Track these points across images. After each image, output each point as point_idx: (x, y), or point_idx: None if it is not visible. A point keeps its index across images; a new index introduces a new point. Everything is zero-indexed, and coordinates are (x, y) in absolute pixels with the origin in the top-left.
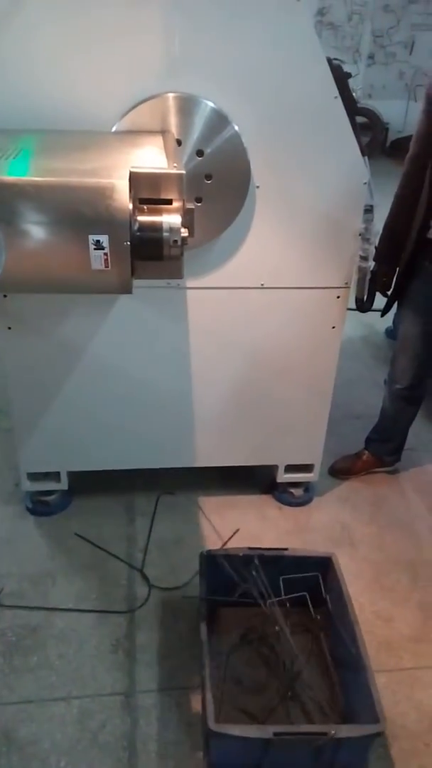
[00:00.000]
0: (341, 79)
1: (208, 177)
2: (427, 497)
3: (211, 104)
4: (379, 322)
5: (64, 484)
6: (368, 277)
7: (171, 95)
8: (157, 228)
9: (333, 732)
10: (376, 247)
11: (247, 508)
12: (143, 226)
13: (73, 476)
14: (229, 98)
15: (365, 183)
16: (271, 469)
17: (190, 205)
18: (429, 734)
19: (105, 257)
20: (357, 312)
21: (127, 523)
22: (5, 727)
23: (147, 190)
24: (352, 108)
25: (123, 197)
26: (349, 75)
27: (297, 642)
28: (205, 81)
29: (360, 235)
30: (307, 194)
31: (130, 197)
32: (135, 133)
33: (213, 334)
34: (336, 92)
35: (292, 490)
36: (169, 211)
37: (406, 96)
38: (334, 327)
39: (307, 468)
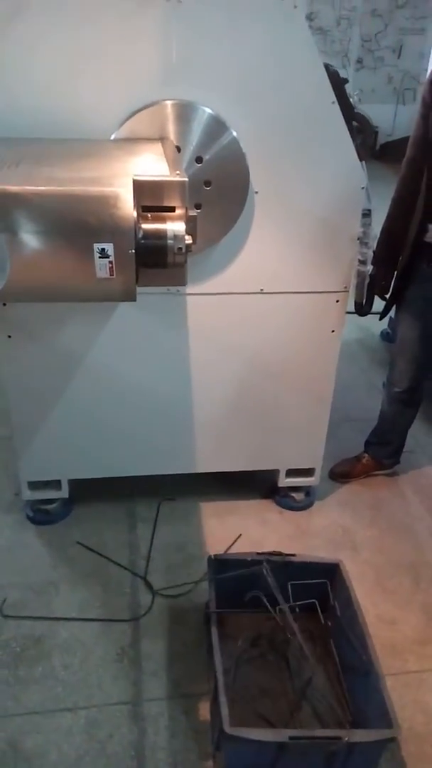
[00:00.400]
0: (338, 84)
1: (207, 183)
2: (427, 499)
3: (209, 110)
4: (375, 326)
5: (64, 493)
6: (367, 281)
7: (169, 102)
8: (161, 236)
9: (347, 737)
10: (374, 251)
11: (247, 513)
12: (147, 234)
13: (74, 484)
14: (227, 104)
15: (363, 188)
16: (271, 474)
17: (193, 212)
18: None
19: (110, 265)
20: (353, 315)
21: (128, 530)
22: (12, 739)
23: (150, 198)
24: (348, 113)
25: (127, 205)
26: (345, 80)
27: (306, 648)
28: (203, 87)
29: (358, 239)
30: (305, 199)
31: (134, 205)
32: (134, 141)
33: (212, 340)
34: (333, 97)
35: (293, 495)
36: (172, 219)
37: (394, 100)
38: (333, 331)
39: (307, 472)
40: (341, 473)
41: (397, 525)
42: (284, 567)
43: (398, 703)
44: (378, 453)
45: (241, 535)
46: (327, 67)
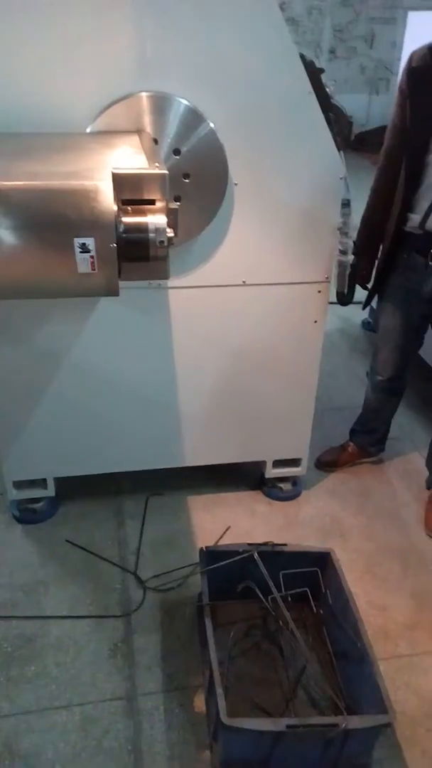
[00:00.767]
0: (314, 74)
1: (186, 176)
2: (413, 485)
3: (185, 102)
4: (355, 315)
5: (51, 491)
6: (348, 270)
7: (144, 94)
8: (142, 229)
9: (344, 724)
10: (354, 241)
11: (236, 505)
12: (129, 228)
13: (60, 482)
14: (203, 96)
15: (342, 178)
16: (258, 465)
17: (174, 205)
18: (429, 720)
19: (91, 260)
20: (334, 306)
21: (117, 526)
22: (6, 740)
23: (130, 191)
24: (326, 103)
25: (107, 199)
26: (322, 70)
27: (299, 636)
28: (179, 79)
29: (338, 229)
30: (284, 190)
31: (114, 199)
32: (111, 134)
33: (196, 333)
34: (310, 88)
35: (281, 485)
36: (153, 212)
37: (368, 90)
38: (316, 321)
39: (294, 462)
40: (327, 462)
41: (384, 512)
42: (275, 557)
43: (391, 687)
44: (363, 441)
45: (230, 527)
46: (303, 57)
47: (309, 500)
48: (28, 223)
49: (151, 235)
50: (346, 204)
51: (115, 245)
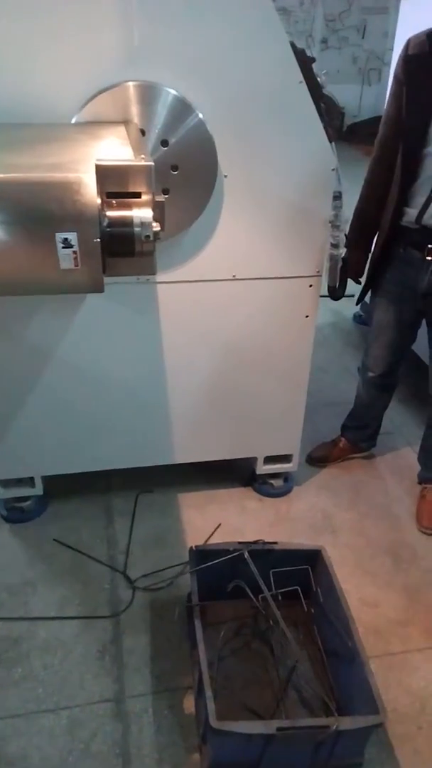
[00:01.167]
0: (305, 64)
1: (174, 168)
2: (404, 480)
3: (173, 92)
4: (347, 309)
5: (38, 489)
6: (339, 264)
7: (131, 84)
8: (127, 223)
9: (335, 725)
10: (346, 234)
11: (227, 502)
12: (113, 222)
13: (48, 480)
14: (192, 85)
15: (333, 169)
16: (249, 462)
17: (160, 198)
18: (421, 717)
19: (74, 256)
20: (325, 299)
21: (106, 524)
22: None
23: (114, 184)
24: (317, 93)
25: (91, 192)
26: (313, 59)
27: (290, 635)
28: (166, 68)
29: (330, 222)
30: (275, 182)
31: (98, 191)
32: (97, 124)
33: (186, 329)
34: (301, 77)
35: (272, 481)
36: (139, 205)
37: (360, 80)
38: (307, 316)
39: (285, 458)
40: (319, 458)
41: (376, 507)
42: (266, 555)
43: (383, 685)
44: (354, 437)
45: (220, 524)
46: (294, 46)
47: (300, 496)
48: (8, 218)
49: (137, 229)
50: (337, 196)
51: (98, 240)
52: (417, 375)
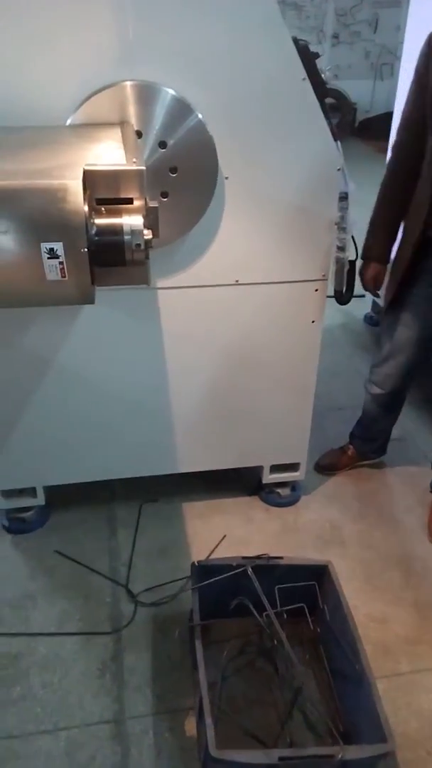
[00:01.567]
0: (309, 59)
1: (173, 170)
2: (416, 488)
3: (171, 92)
4: (358, 309)
5: (40, 500)
6: (346, 267)
7: (128, 83)
8: (117, 231)
9: (341, 755)
10: (363, 244)
11: (233, 512)
12: (101, 230)
13: (50, 490)
14: (191, 85)
15: (339, 169)
16: (256, 470)
17: (153, 203)
18: (430, 742)
19: (61, 266)
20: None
21: (109, 535)
22: None
23: (104, 190)
24: (321, 90)
25: (77, 199)
26: (316, 55)
27: (295, 654)
28: (164, 67)
29: (336, 224)
30: (278, 184)
31: (85, 198)
32: (92, 126)
33: (188, 336)
34: (304, 74)
35: (279, 491)
36: (129, 212)
37: (372, 75)
38: (313, 321)
39: (293, 467)
40: (327, 466)
41: (385, 517)
42: (271, 570)
43: (391, 707)
44: (363, 447)
45: (225, 535)
46: (296, 41)
47: (308, 506)
48: None
49: (127, 237)
50: (343, 197)
51: (86, 250)
52: (429, 379)
